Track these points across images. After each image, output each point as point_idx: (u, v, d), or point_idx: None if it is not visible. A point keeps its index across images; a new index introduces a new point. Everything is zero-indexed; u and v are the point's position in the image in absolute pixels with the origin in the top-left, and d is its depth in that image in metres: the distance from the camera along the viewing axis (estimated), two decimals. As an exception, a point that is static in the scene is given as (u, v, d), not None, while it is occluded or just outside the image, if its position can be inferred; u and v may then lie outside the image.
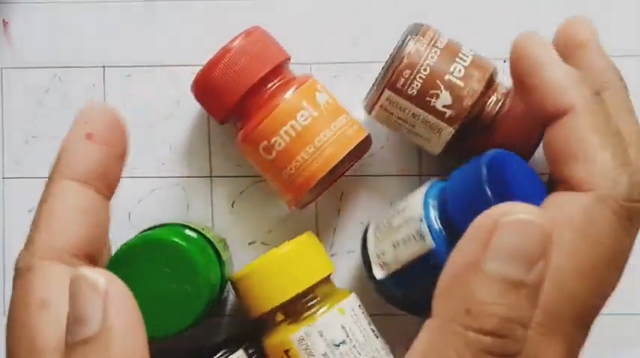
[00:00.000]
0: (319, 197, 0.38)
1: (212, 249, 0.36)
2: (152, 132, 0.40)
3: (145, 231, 0.36)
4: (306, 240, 0.35)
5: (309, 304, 0.34)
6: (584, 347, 0.38)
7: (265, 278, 0.33)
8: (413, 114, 0.34)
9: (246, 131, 0.35)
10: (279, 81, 0.36)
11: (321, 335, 0.33)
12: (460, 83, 0.33)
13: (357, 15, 0.39)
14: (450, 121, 0.34)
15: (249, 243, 0.39)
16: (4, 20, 0.40)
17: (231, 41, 0.35)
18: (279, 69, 0.36)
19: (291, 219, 0.39)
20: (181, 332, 0.33)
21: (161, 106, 0.40)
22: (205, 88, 0.35)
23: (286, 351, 0.33)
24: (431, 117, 0.34)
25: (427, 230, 0.31)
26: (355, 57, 0.39)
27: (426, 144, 0.35)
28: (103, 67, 0.40)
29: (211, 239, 0.36)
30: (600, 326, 0.38)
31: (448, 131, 0.34)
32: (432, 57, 0.34)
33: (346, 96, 0.39)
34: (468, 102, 0.33)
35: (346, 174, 0.38)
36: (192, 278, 0.33)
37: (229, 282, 0.35)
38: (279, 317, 0.34)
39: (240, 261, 0.39)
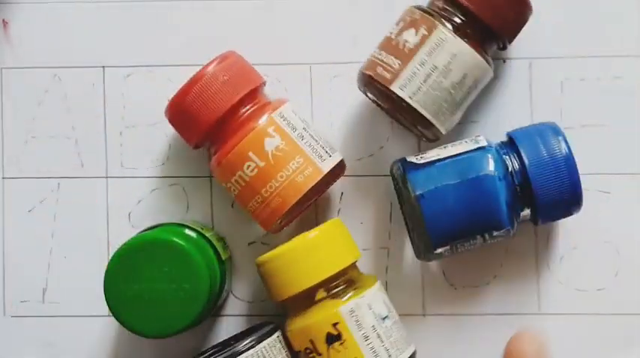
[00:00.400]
0: (296, 218, 0.38)
1: (211, 249, 0.36)
2: (152, 132, 0.40)
3: (145, 230, 0.36)
4: (338, 224, 0.35)
5: (349, 282, 0.34)
6: (585, 345, 0.38)
7: (308, 254, 0.34)
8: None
9: (215, 162, 0.35)
10: (254, 106, 0.35)
11: (370, 308, 0.34)
12: None
13: (357, 15, 0.39)
14: None
15: (249, 243, 0.39)
16: (3, 20, 0.40)
17: (205, 66, 0.35)
18: (253, 93, 0.36)
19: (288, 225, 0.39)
20: (181, 331, 0.33)
21: (161, 106, 0.39)
22: (178, 113, 0.35)
23: (335, 324, 0.33)
24: None
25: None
26: (355, 57, 0.39)
27: None
28: (103, 67, 0.40)
29: (211, 239, 0.36)
30: (600, 325, 0.38)
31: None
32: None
33: (346, 96, 0.39)
34: None
35: (346, 174, 0.38)
36: (191, 277, 0.33)
37: (255, 265, 0.35)
38: (321, 294, 0.34)
39: (240, 261, 0.39)
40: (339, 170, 0.36)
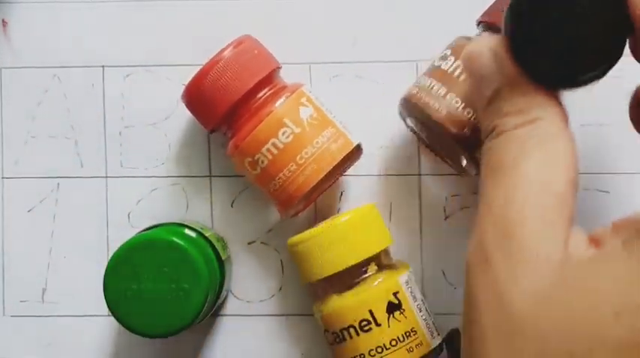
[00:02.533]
0: (313, 202, 0.38)
1: (211, 249, 0.36)
2: (151, 131, 0.40)
3: (145, 230, 0.36)
4: (372, 209, 0.36)
5: (389, 259, 0.36)
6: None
7: (355, 231, 0.34)
8: None
9: (234, 144, 0.35)
10: (270, 90, 0.36)
11: (416, 283, 0.36)
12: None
13: (357, 15, 0.39)
14: None
15: (249, 243, 0.39)
16: (3, 20, 0.40)
17: (222, 51, 0.35)
18: (269, 78, 0.36)
19: (291, 219, 0.39)
20: (181, 331, 0.33)
21: (160, 106, 0.40)
22: (195, 97, 0.35)
23: (395, 293, 0.34)
24: None
25: None
26: (355, 57, 0.39)
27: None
28: (102, 67, 0.40)
29: (210, 238, 0.36)
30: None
31: None
32: None
33: (346, 96, 0.39)
34: None
35: (346, 174, 0.38)
36: (191, 277, 0.33)
37: (290, 245, 0.35)
38: (372, 268, 0.34)
39: (240, 261, 0.39)
40: (357, 153, 0.37)
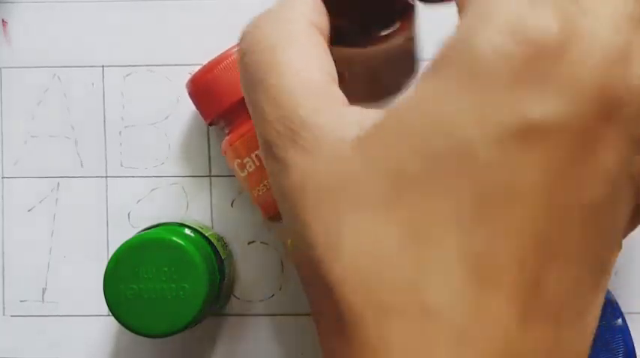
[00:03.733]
0: None
1: (211, 248, 0.36)
2: (151, 131, 0.40)
3: (144, 230, 0.36)
4: None
5: None
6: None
7: None
8: None
9: (227, 142, 0.36)
10: None
11: None
12: None
13: (357, 14, 0.39)
14: None
15: (249, 243, 0.39)
16: (3, 20, 0.40)
17: (233, 47, 0.35)
18: None
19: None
20: (181, 330, 0.33)
21: (160, 106, 0.40)
22: (200, 87, 0.36)
23: None
24: None
25: None
26: (355, 56, 0.39)
27: None
28: (102, 66, 0.40)
29: (210, 238, 0.36)
30: (601, 325, 0.38)
31: None
32: None
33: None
34: None
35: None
36: (191, 277, 0.33)
37: (287, 246, 0.36)
38: None
39: (240, 261, 0.39)
40: None
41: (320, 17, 0.26)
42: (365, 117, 0.21)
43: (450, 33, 0.20)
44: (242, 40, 0.25)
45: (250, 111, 0.24)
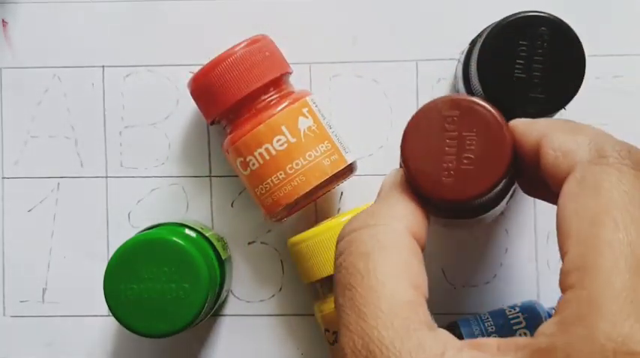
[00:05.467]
0: (299, 210, 0.38)
1: (211, 249, 0.36)
2: (151, 131, 0.40)
3: (145, 230, 0.36)
4: None
5: None
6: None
7: None
8: None
9: (230, 141, 0.36)
10: (276, 94, 0.36)
11: None
12: None
13: (357, 15, 0.39)
14: None
15: (249, 243, 0.39)
16: (3, 20, 0.40)
17: (235, 46, 0.35)
18: (277, 82, 0.36)
19: (291, 219, 0.39)
20: (181, 331, 0.33)
21: (160, 106, 0.40)
22: (201, 87, 0.35)
23: None
24: None
25: None
26: (355, 56, 0.39)
27: None
28: (102, 66, 0.40)
29: (210, 238, 0.36)
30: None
31: None
32: None
33: (345, 96, 0.39)
34: None
35: (346, 173, 0.38)
36: (191, 277, 0.33)
37: (288, 246, 0.35)
38: None
39: (240, 261, 0.39)
40: (349, 171, 0.36)
41: (419, 223, 0.27)
42: (447, 347, 0.23)
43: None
44: (340, 238, 0.27)
45: (335, 309, 0.25)
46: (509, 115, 0.31)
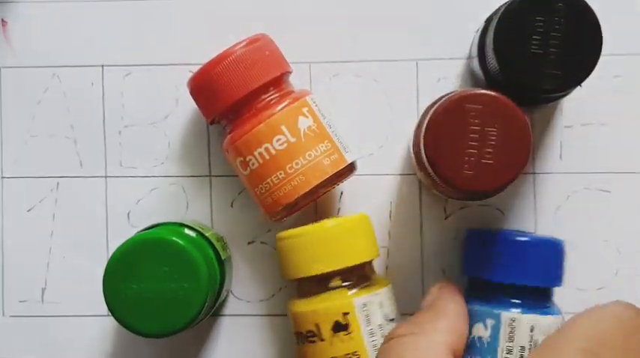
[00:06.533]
0: (299, 210, 0.38)
1: (211, 249, 0.36)
2: (151, 131, 0.40)
3: (144, 230, 0.36)
4: (365, 219, 0.35)
5: (364, 277, 0.35)
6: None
7: (333, 239, 0.34)
8: None
9: (230, 140, 0.35)
10: (276, 93, 0.35)
11: (381, 307, 0.34)
12: None
13: (357, 14, 0.39)
14: None
15: (249, 243, 0.39)
16: (3, 20, 0.40)
17: (235, 45, 0.35)
18: (276, 81, 0.36)
19: (291, 219, 0.38)
20: (181, 330, 0.33)
21: (160, 106, 0.40)
22: (200, 86, 0.35)
23: (345, 314, 0.33)
24: None
25: None
26: (355, 56, 0.39)
27: None
28: (102, 66, 0.40)
29: (210, 238, 0.36)
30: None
31: None
32: None
33: (345, 95, 0.39)
34: None
35: (346, 173, 0.38)
36: (191, 276, 0.33)
37: (276, 239, 0.35)
38: (336, 282, 0.34)
39: (240, 261, 0.39)
40: (349, 170, 0.36)
41: (459, 339, 0.30)
42: None
43: None
44: (385, 340, 0.30)
45: None
46: (526, 92, 0.31)
